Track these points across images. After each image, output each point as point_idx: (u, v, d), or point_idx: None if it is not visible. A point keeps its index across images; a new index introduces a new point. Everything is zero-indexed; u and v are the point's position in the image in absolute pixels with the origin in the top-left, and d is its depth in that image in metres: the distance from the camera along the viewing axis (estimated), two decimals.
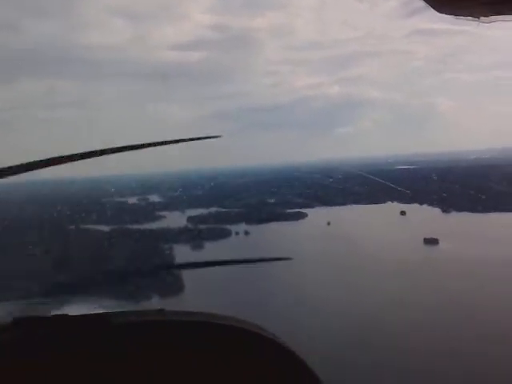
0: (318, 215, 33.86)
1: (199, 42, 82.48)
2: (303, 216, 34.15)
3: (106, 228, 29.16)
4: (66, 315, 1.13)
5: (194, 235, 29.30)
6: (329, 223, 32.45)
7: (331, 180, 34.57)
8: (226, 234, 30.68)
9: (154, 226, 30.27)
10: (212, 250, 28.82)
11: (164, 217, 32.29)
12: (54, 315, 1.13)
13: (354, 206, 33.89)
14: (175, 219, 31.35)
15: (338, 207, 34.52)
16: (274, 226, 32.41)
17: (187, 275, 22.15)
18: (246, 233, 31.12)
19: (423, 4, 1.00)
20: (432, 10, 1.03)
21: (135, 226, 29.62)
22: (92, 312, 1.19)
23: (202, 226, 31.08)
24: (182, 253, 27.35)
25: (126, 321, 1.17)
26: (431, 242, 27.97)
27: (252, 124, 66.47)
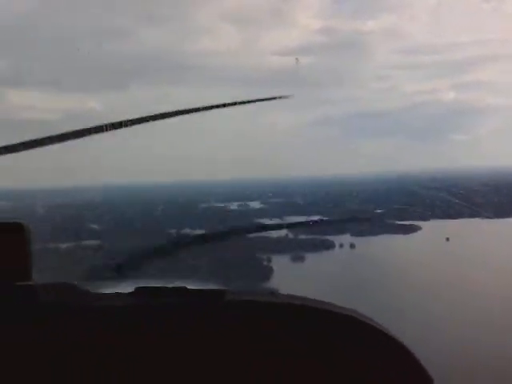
0: (433, 229, 30.19)
1: (307, 47, 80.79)
2: (416, 229, 30.61)
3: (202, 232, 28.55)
4: (185, 287, 1.19)
5: (294, 245, 27.34)
6: (448, 239, 28.68)
7: (446, 189, 31.53)
8: (328, 246, 28.14)
9: (252, 233, 28.87)
10: (313, 262, 26.69)
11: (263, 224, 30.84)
12: (174, 286, 1.19)
13: (477, 219, 29.70)
14: (274, 227, 29.64)
15: (456, 220, 30.55)
16: (382, 239, 29.27)
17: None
18: (352, 245, 28.31)
19: None
20: None
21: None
22: (207, 288, 1.24)
23: (302, 236, 28.98)
24: (280, 263, 25.63)
25: (238, 298, 1.21)
26: None
27: (359, 130, 63.23)
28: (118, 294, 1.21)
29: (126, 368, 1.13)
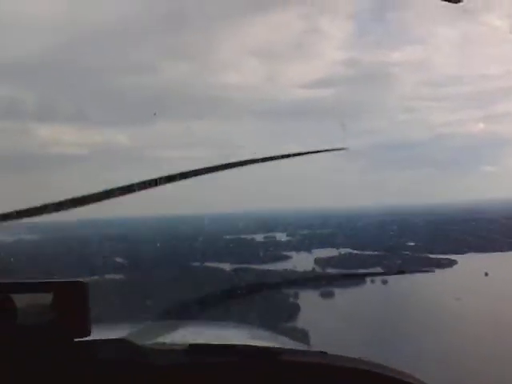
0: (470, 263, 28.72)
1: (332, 79, 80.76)
2: (452, 264, 29.17)
3: (227, 267, 27.67)
4: (235, 345, 1.20)
5: (323, 280, 26.16)
6: (487, 274, 27.14)
7: (478, 221, 30.26)
8: (359, 282, 26.86)
9: (278, 267, 27.86)
10: (343, 299, 25.45)
11: (290, 257, 29.91)
12: (225, 344, 1.20)
13: None
14: (301, 261, 28.59)
15: (494, 254, 29.05)
16: (417, 274, 27.84)
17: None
18: (384, 281, 26.95)
19: None
20: None
21: (258, 267, 27.70)
22: (252, 344, 1.31)
23: (331, 270, 27.79)
24: (308, 300, 24.52)
25: (289, 359, 1.18)
26: None
27: (384, 162, 62.24)
28: (171, 350, 1.22)
29: None
